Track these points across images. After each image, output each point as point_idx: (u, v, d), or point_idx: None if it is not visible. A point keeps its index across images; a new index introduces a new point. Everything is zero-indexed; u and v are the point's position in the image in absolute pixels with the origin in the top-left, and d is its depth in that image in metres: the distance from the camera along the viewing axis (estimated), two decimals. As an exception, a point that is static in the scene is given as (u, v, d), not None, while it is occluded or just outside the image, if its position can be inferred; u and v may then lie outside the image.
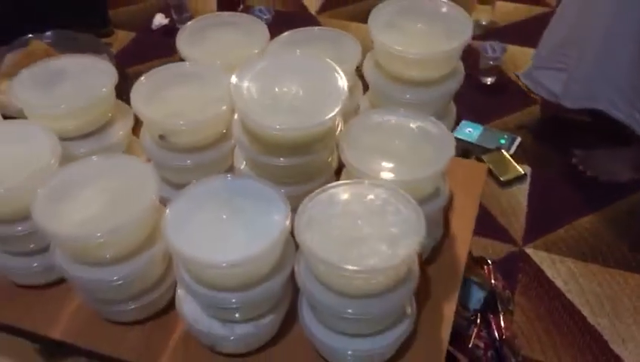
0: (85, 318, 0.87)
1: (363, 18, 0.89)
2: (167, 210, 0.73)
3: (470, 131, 2.02)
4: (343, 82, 0.79)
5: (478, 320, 1.31)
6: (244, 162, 0.86)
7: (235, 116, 0.83)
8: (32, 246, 0.86)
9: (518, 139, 2.00)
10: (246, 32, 0.96)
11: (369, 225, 0.72)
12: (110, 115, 0.93)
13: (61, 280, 0.90)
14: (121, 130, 0.93)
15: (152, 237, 0.79)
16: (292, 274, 0.75)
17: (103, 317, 0.86)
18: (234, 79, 0.80)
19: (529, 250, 1.69)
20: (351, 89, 0.92)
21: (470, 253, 1.40)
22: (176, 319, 0.84)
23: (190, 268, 0.73)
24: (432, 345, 0.82)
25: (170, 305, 0.83)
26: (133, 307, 0.81)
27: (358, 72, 0.93)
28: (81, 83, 0.91)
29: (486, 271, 1.44)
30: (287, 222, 0.71)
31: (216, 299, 0.73)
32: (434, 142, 0.81)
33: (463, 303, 1.30)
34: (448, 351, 1.24)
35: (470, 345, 1.29)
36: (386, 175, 0.77)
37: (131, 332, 0.85)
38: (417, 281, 0.74)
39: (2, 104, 1.03)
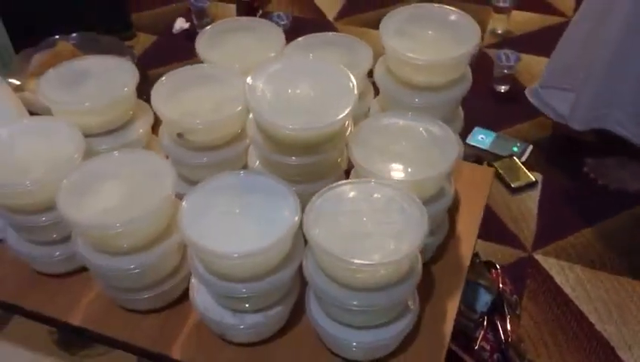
0: (103, 306, 0.91)
1: (378, 25, 0.92)
2: (183, 203, 0.77)
3: (483, 138, 2.04)
4: (353, 85, 0.83)
5: (485, 323, 1.33)
6: (258, 161, 0.89)
7: (250, 116, 0.86)
8: (54, 236, 0.90)
9: (530, 147, 2.01)
10: (262, 36, 1.00)
11: (374, 221, 0.75)
12: (131, 113, 0.97)
13: (81, 270, 0.94)
14: (141, 128, 0.97)
15: (168, 229, 0.83)
16: (300, 268, 0.79)
17: (121, 305, 0.90)
18: (249, 81, 0.83)
19: (538, 256, 1.70)
20: (362, 93, 0.96)
21: (479, 257, 1.43)
22: (190, 309, 0.87)
23: (203, 258, 0.77)
24: (434, 339, 0.85)
25: (185, 296, 0.87)
26: (148, 295, 0.85)
27: (370, 76, 0.97)
28: (104, 82, 0.95)
29: (494, 275, 1.46)
30: (296, 218, 0.74)
31: (227, 289, 0.77)
32: (440, 145, 0.84)
33: (470, 306, 1.33)
34: (454, 352, 1.27)
35: (476, 347, 1.31)
36: (393, 175, 0.81)
37: (147, 320, 0.88)
38: (420, 277, 0.77)
39: (30, 101, 1.08)
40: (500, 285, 1.44)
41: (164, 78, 0.91)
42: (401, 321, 0.80)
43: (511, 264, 1.69)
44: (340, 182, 0.79)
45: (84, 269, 0.93)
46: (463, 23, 0.93)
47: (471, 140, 2.02)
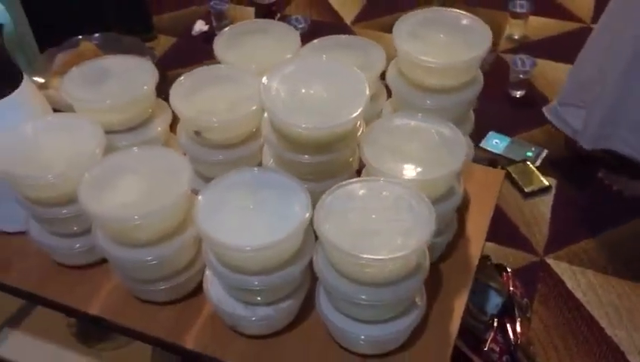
0: (121, 297, 0.93)
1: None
2: (199, 198, 0.80)
3: (497, 143, 2.05)
4: (364, 86, 0.85)
5: (495, 325, 1.34)
6: (272, 159, 0.92)
7: (265, 115, 0.89)
8: (75, 228, 0.93)
9: (545, 152, 2.02)
10: (279, 38, 1.02)
11: (383, 219, 0.77)
12: (150, 111, 1.00)
13: (100, 262, 0.97)
14: (159, 126, 1.00)
15: (185, 223, 0.85)
16: (311, 263, 0.81)
17: (137, 297, 0.93)
18: (264, 81, 0.85)
19: (550, 261, 1.71)
20: (375, 95, 0.98)
21: (490, 259, 1.44)
22: (204, 301, 0.90)
23: (217, 251, 0.80)
24: (441, 336, 0.87)
25: (199, 289, 0.89)
26: (164, 287, 0.88)
27: (383, 78, 0.98)
28: (125, 81, 0.97)
29: (505, 278, 1.47)
30: (308, 214, 0.76)
31: (240, 281, 0.79)
32: (449, 145, 0.86)
33: (480, 308, 1.34)
34: (464, 353, 1.28)
35: (486, 349, 1.32)
36: (403, 174, 0.83)
37: (163, 311, 0.91)
38: (427, 273, 0.79)
39: (53, 99, 1.10)
40: (511, 288, 1.45)
41: (182, 77, 0.94)
42: (409, 316, 0.82)
43: (523, 268, 1.70)
44: (350, 180, 0.81)
45: (103, 261, 0.97)
46: (475, 27, 0.94)
47: (485, 144, 2.04)
